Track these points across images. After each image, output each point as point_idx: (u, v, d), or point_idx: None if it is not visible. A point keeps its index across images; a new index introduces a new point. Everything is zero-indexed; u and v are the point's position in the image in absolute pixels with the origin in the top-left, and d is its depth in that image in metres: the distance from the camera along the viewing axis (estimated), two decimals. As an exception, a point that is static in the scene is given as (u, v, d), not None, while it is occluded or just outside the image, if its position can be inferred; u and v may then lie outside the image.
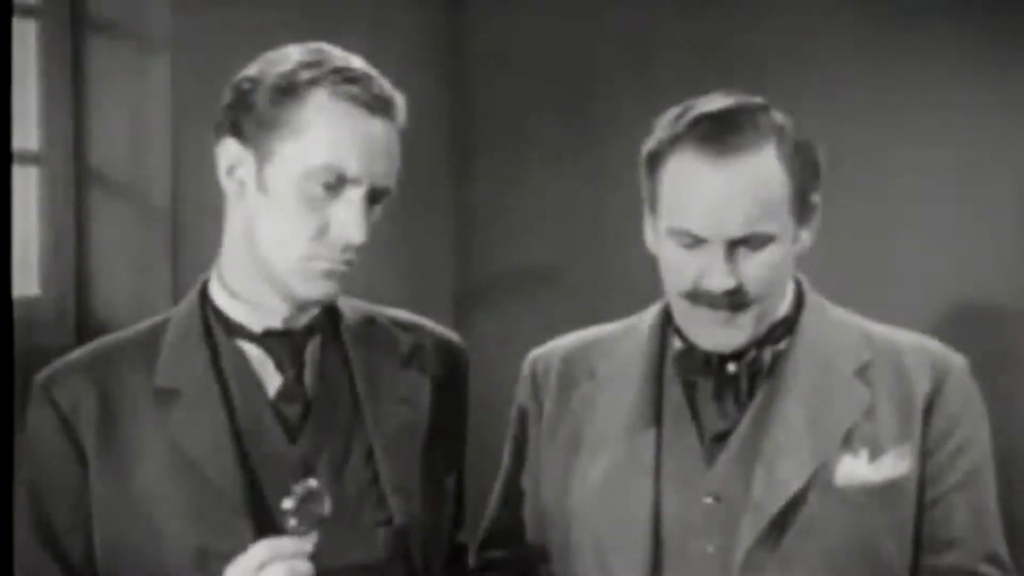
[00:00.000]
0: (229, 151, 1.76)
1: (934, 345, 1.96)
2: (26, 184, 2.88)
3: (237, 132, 1.75)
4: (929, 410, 1.89)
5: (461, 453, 1.97)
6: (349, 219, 1.71)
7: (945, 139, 3.08)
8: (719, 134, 1.81)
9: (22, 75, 2.82)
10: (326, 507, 1.67)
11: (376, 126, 1.73)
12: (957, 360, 1.94)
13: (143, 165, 2.92)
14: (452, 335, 1.99)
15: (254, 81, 1.74)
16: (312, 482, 1.68)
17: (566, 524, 1.95)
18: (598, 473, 1.93)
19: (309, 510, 1.67)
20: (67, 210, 2.93)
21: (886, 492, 1.86)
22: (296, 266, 1.73)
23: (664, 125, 1.88)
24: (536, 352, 2.08)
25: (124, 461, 1.75)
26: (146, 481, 1.74)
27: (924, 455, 1.89)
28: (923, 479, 1.89)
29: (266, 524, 1.72)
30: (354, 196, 1.72)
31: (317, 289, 1.74)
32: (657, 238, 1.90)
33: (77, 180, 2.94)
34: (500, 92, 3.60)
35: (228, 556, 1.68)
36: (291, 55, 1.75)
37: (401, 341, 1.91)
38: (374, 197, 1.74)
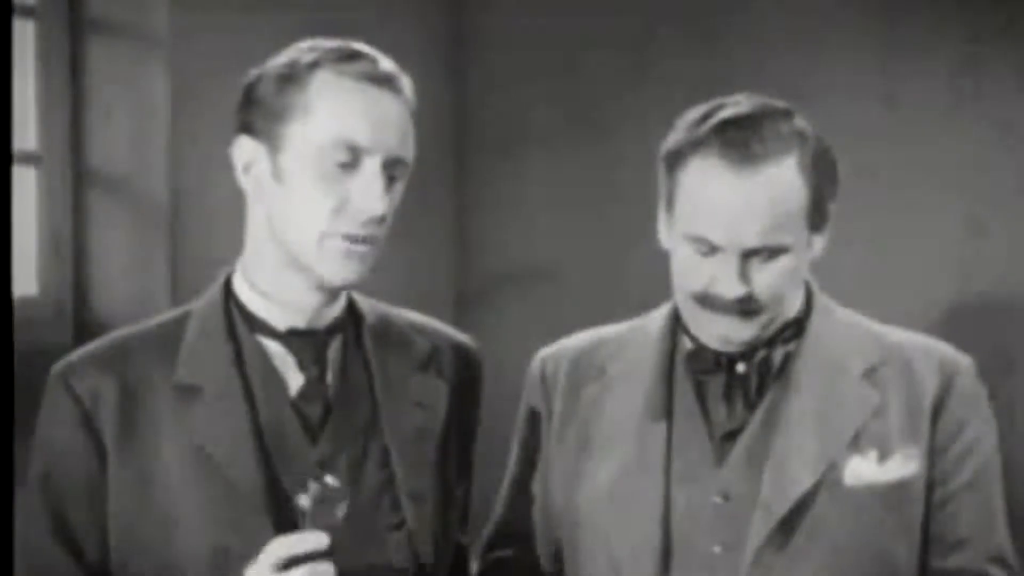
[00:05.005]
0: (243, 149, 1.76)
1: (942, 347, 1.96)
2: (25, 184, 2.88)
3: (248, 129, 1.76)
4: (937, 411, 1.90)
5: (472, 458, 1.97)
6: (368, 190, 1.71)
7: (946, 137, 3.08)
8: (743, 142, 1.81)
9: (20, 75, 2.81)
10: (342, 509, 1.66)
11: (384, 98, 1.73)
12: (965, 362, 1.94)
13: (141, 165, 2.91)
14: (468, 340, 1.99)
15: (259, 76, 1.76)
16: (330, 479, 1.68)
17: (575, 523, 1.95)
18: (608, 473, 1.93)
19: (325, 511, 1.66)
20: (65, 210, 2.93)
21: (894, 493, 1.87)
22: (317, 246, 1.72)
23: (686, 126, 1.87)
24: (544, 352, 2.08)
25: (143, 456, 1.74)
26: (165, 477, 1.73)
27: (932, 456, 1.89)
28: (931, 480, 1.89)
29: (286, 524, 1.71)
30: (370, 167, 1.71)
31: (341, 270, 1.73)
32: (672, 238, 1.90)
33: (76, 180, 2.94)
34: (501, 91, 3.60)
35: (247, 555, 1.67)
36: (291, 48, 1.77)
37: (418, 344, 1.90)
38: (392, 171, 1.74)
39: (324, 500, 1.66)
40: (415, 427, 1.84)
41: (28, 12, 2.87)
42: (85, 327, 2.90)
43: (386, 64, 1.75)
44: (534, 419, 2.05)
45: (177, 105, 2.87)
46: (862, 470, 1.86)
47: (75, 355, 1.80)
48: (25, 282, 2.87)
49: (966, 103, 3.06)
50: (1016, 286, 3.01)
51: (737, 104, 1.86)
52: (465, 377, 1.94)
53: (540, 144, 3.54)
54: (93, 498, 1.75)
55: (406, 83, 1.77)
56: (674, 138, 1.88)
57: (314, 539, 1.64)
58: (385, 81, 1.73)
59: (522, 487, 2.06)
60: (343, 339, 1.83)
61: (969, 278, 3.05)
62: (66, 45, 2.91)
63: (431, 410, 1.87)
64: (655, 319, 2.01)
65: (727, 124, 1.82)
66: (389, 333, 1.88)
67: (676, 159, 1.86)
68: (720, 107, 1.86)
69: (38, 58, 2.89)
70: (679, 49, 3.35)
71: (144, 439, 1.75)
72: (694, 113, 1.88)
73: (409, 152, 1.76)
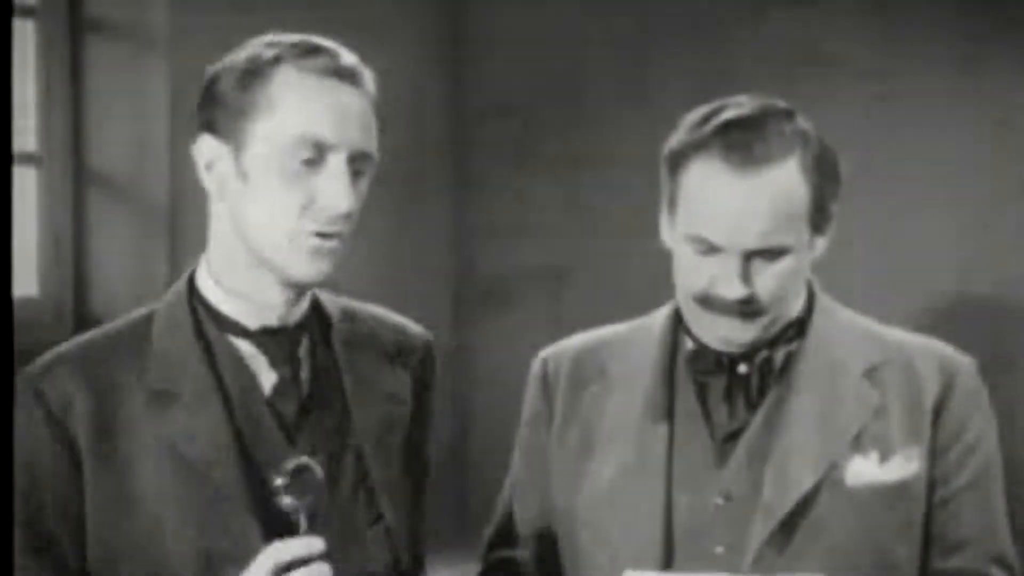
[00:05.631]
0: (205, 148, 1.74)
1: (943, 347, 1.97)
2: (24, 185, 2.88)
3: (210, 127, 1.73)
4: (938, 412, 1.91)
5: (430, 451, 1.96)
6: (334, 187, 1.69)
7: (946, 137, 3.08)
8: (745, 143, 1.81)
9: (20, 76, 2.82)
10: (318, 481, 1.66)
11: (346, 92, 1.71)
12: (965, 362, 1.95)
13: (142, 166, 2.91)
14: (425, 331, 1.97)
15: (219, 73, 1.74)
16: (304, 458, 1.67)
17: (576, 524, 1.95)
18: (609, 473, 1.93)
19: (302, 483, 1.65)
20: (65, 211, 2.93)
21: (895, 493, 1.88)
22: (286, 245, 1.70)
23: (689, 126, 1.87)
24: (546, 352, 2.08)
25: (121, 462, 1.71)
26: (146, 483, 1.71)
27: (933, 456, 1.90)
28: (932, 480, 1.90)
29: (274, 524, 1.69)
30: (336, 163, 1.69)
31: (310, 268, 1.71)
32: (673, 239, 1.90)
33: (76, 181, 2.94)
34: (501, 91, 3.60)
35: (234, 558, 1.66)
36: (251, 44, 1.75)
37: (383, 337, 1.90)
38: (357, 166, 1.72)
39: (299, 475, 1.65)
40: (387, 420, 1.84)
41: (28, 12, 2.87)
42: (85, 327, 2.89)
43: (347, 58, 1.74)
44: (535, 419, 2.05)
45: (177, 105, 2.87)
46: (863, 470, 1.87)
47: (43, 361, 1.76)
48: (25, 283, 2.87)
49: (966, 103, 3.06)
50: (1016, 286, 3.01)
51: (739, 105, 1.86)
52: (426, 369, 1.93)
53: (540, 145, 3.54)
54: (70, 507, 1.71)
55: (367, 76, 1.75)
56: (676, 139, 1.88)
57: (308, 543, 1.63)
58: (347, 75, 1.72)
59: (523, 488, 2.06)
60: (311, 336, 1.82)
61: (969, 278, 3.05)
62: (66, 45, 2.91)
63: (400, 402, 1.87)
64: (657, 320, 2.01)
65: (729, 125, 1.83)
66: (355, 328, 1.87)
67: (678, 160, 1.87)
68: (722, 108, 1.86)
69: (38, 58, 2.89)
70: (679, 49, 3.35)
71: (121, 445, 1.72)
72: (696, 114, 1.88)
73: (373, 145, 1.74)
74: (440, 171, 3.62)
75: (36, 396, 1.72)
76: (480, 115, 3.63)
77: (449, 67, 3.63)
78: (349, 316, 1.88)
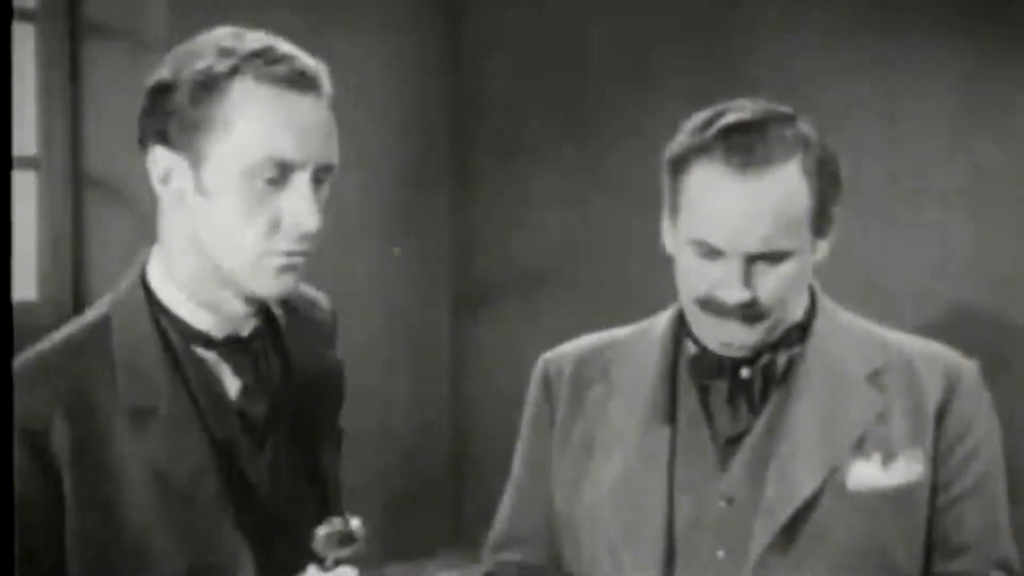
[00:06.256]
0: (160, 160, 1.67)
1: (945, 351, 1.97)
2: (24, 188, 2.88)
3: (164, 139, 1.66)
4: (941, 416, 1.90)
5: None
6: (301, 207, 1.64)
7: (947, 138, 3.08)
8: (746, 147, 1.81)
9: (20, 80, 2.82)
10: (354, 537, 1.66)
11: (305, 103, 1.64)
12: (968, 366, 1.95)
13: (141, 169, 2.90)
14: (329, 301, 1.94)
15: (170, 83, 1.66)
16: (341, 523, 1.66)
17: (579, 526, 1.95)
18: (611, 475, 1.93)
19: (333, 545, 1.66)
20: (65, 214, 2.93)
21: (898, 497, 1.88)
22: (252, 264, 1.65)
23: (691, 130, 1.87)
24: (548, 354, 2.08)
25: (106, 482, 1.66)
26: (131, 501, 1.66)
27: (936, 460, 1.90)
28: (935, 484, 1.90)
29: (258, 537, 1.69)
30: (301, 182, 1.64)
31: (275, 286, 1.67)
32: (675, 243, 1.90)
33: (75, 184, 2.94)
34: (500, 93, 3.60)
35: (225, 573, 1.65)
36: (204, 48, 1.67)
37: (317, 319, 1.88)
38: (319, 176, 1.67)
39: (339, 540, 1.65)
40: (332, 409, 1.85)
41: (28, 16, 2.87)
42: (85, 331, 2.90)
43: (305, 62, 1.66)
44: (537, 421, 2.05)
45: (176, 108, 2.87)
46: (866, 474, 1.87)
47: (19, 367, 1.67)
48: (24, 286, 2.87)
49: (967, 103, 3.06)
50: (1016, 286, 3.01)
51: (741, 109, 1.86)
52: (338, 342, 1.91)
53: (540, 145, 3.54)
54: (50, 529, 1.65)
55: (324, 78, 1.68)
56: (678, 143, 1.88)
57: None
58: (307, 84, 1.65)
59: (525, 490, 2.06)
60: (266, 338, 1.78)
61: (969, 279, 3.05)
62: (65, 49, 2.92)
63: (339, 387, 1.87)
64: (659, 323, 2.01)
65: (731, 129, 1.83)
66: (296, 317, 1.83)
67: (680, 164, 1.87)
68: (724, 112, 1.86)
69: (38, 62, 2.90)
70: (680, 53, 3.35)
71: (104, 464, 1.66)
72: (698, 118, 1.88)
73: (334, 156, 1.69)
74: (440, 171, 3.63)
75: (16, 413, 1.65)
76: (480, 115, 3.63)
77: (449, 67, 3.63)
78: (288, 306, 1.84)
